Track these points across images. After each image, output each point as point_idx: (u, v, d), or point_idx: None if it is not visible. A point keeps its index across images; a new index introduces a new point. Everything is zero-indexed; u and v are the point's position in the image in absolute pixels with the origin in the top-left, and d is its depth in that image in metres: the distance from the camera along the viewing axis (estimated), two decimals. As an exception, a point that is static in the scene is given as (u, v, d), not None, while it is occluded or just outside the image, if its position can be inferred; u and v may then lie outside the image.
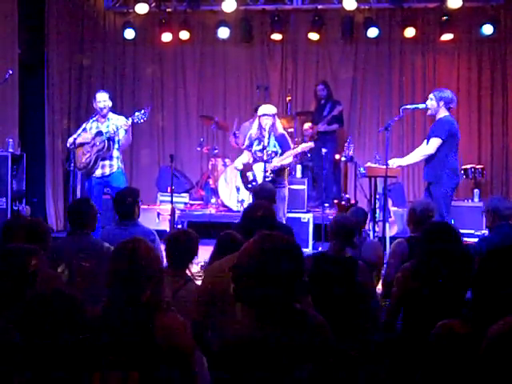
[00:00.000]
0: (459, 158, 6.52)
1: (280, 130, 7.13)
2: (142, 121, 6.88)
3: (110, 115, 7.02)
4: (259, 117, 7.06)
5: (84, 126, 6.99)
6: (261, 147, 7.00)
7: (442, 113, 6.34)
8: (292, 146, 7.29)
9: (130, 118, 6.82)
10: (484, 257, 2.54)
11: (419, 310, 3.46)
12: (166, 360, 2.45)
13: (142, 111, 6.84)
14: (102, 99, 6.95)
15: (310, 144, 7.28)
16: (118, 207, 4.79)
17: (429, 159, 6.34)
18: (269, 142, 6.96)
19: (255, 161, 7.13)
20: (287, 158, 6.99)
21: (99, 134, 6.86)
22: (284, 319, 2.26)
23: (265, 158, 6.96)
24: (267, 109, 7.05)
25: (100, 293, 3.63)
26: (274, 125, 7.00)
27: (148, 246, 2.66)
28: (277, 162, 6.89)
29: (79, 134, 6.89)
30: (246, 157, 7.26)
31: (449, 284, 3.39)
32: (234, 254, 3.28)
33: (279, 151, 6.99)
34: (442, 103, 6.32)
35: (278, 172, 6.95)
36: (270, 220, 3.51)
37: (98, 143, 6.84)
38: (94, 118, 6.99)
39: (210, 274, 3.38)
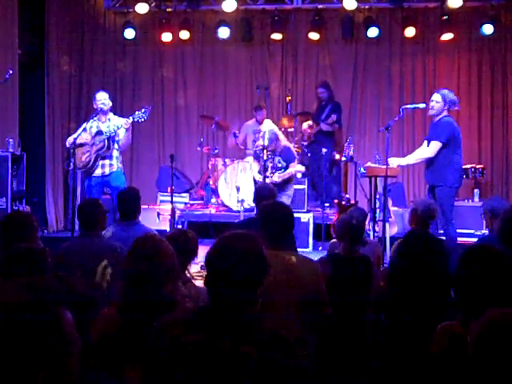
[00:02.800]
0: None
1: (283, 142, 7.68)
2: (142, 120, 6.91)
3: (111, 116, 7.04)
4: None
5: (84, 125, 7.01)
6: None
7: (442, 114, 6.32)
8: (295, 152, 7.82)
9: (131, 117, 6.86)
10: (462, 257, 2.56)
11: (398, 311, 3.52)
12: None
13: (143, 110, 6.87)
14: (103, 98, 6.99)
15: (302, 168, 7.61)
16: (121, 206, 4.80)
17: (431, 163, 6.31)
18: (273, 158, 7.44)
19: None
20: (288, 172, 7.52)
21: (99, 133, 6.89)
22: (235, 328, 2.13)
23: (265, 157, 7.24)
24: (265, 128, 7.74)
25: (114, 293, 3.67)
26: (274, 140, 7.44)
27: (163, 242, 2.71)
28: (277, 177, 7.37)
29: (79, 134, 6.90)
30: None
31: (424, 284, 3.47)
32: None
33: (284, 164, 7.51)
34: (445, 106, 6.31)
35: (287, 180, 7.52)
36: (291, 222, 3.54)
37: (97, 142, 6.85)
38: (95, 118, 7.01)
39: None
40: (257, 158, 7.84)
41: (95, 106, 7.04)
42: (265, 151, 7.39)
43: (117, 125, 6.89)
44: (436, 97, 6.36)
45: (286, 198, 7.22)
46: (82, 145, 6.90)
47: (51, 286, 1.70)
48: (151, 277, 2.54)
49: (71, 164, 6.89)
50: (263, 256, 2.24)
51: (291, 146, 7.87)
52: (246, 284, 2.16)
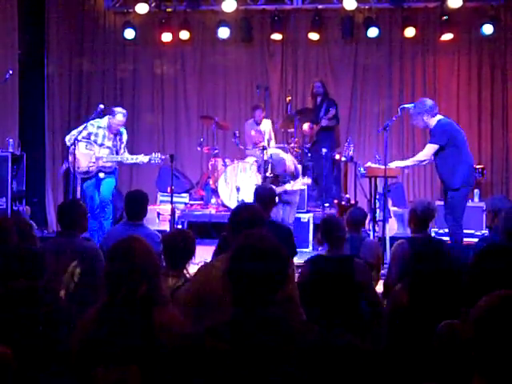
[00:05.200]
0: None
1: (288, 162, 7.54)
2: (157, 162, 7.11)
3: (122, 130, 7.24)
4: None
5: (89, 129, 7.03)
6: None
7: (434, 120, 6.29)
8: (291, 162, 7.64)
9: (148, 157, 7.01)
10: (474, 258, 2.53)
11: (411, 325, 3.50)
12: (165, 354, 2.46)
13: (160, 156, 7.05)
14: (122, 122, 7.13)
15: (308, 181, 7.67)
16: (128, 207, 4.84)
17: (439, 168, 6.29)
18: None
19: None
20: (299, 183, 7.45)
21: (108, 148, 7.04)
22: (263, 324, 2.18)
23: (265, 158, 7.40)
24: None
25: (86, 293, 3.67)
26: (283, 164, 7.47)
27: (142, 244, 2.69)
28: (289, 187, 7.28)
29: (80, 132, 6.92)
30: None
31: (440, 302, 3.44)
32: (225, 254, 3.27)
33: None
34: (425, 117, 6.26)
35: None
36: (258, 221, 3.46)
37: (105, 160, 6.98)
38: (99, 124, 7.05)
39: (200, 274, 3.34)
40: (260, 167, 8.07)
41: (110, 122, 7.04)
42: (265, 152, 7.49)
43: (122, 140, 7.14)
44: (414, 120, 6.39)
45: (292, 210, 7.41)
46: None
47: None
48: (124, 276, 2.54)
49: (68, 164, 6.98)
50: (285, 255, 2.32)
51: (296, 162, 7.86)
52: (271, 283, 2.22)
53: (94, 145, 7.01)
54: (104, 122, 7.09)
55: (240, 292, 2.21)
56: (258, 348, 2.12)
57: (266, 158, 7.58)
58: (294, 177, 7.47)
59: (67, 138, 7.08)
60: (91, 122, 7.06)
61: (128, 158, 7.12)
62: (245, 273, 2.20)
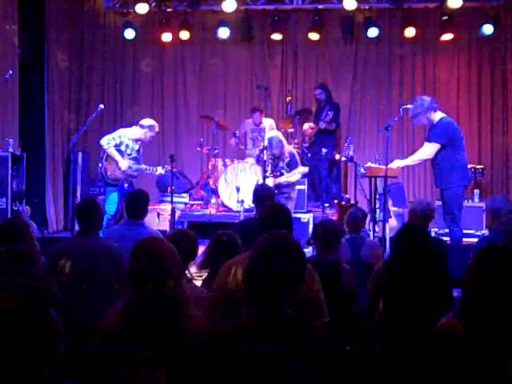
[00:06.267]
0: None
1: (287, 148, 7.73)
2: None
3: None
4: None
5: (122, 139, 7.23)
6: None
7: (437, 117, 6.28)
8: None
9: (165, 170, 7.30)
10: (475, 258, 2.54)
11: (395, 303, 3.57)
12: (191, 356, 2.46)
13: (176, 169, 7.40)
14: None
15: (305, 169, 7.80)
16: (129, 207, 4.85)
17: (436, 167, 6.30)
18: (278, 163, 7.61)
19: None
20: (293, 174, 7.61)
21: (137, 161, 7.28)
22: (279, 324, 2.18)
23: (265, 158, 7.47)
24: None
25: (107, 292, 3.68)
26: (281, 147, 7.59)
27: (165, 243, 2.74)
28: (283, 179, 7.52)
29: (114, 138, 7.18)
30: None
31: (421, 278, 3.53)
32: (246, 253, 3.28)
33: (287, 170, 7.67)
34: (429, 114, 6.26)
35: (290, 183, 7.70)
36: (289, 221, 3.48)
37: (133, 168, 7.25)
38: (130, 136, 7.25)
39: (224, 272, 3.35)
40: (259, 161, 8.05)
41: (145, 134, 7.26)
42: (265, 152, 7.52)
43: (149, 168, 7.41)
44: (417, 117, 6.35)
45: (290, 202, 7.45)
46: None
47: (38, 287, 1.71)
48: (151, 275, 2.55)
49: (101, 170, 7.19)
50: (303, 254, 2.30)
51: (295, 151, 7.92)
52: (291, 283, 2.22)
53: (125, 154, 7.26)
54: (134, 133, 7.30)
55: (257, 292, 2.20)
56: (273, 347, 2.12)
57: (265, 158, 7.60)
58: (291, 166, 7.53)
59: (103, 141, 7.25)
60: (122, 131, 7.32)
61: (147, 168, 7.38)
62: (263, 272, 2.18)
